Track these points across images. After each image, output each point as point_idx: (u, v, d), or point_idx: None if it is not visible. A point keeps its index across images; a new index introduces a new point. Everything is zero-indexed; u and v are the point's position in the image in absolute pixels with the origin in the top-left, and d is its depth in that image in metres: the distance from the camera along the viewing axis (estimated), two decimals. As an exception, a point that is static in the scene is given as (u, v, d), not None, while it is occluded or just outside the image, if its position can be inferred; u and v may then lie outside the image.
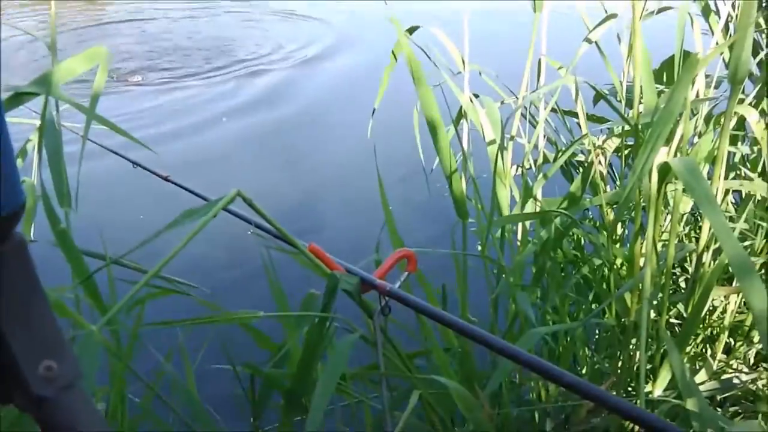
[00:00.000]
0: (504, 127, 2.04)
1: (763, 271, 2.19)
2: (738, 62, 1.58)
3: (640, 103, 1.83)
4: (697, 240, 1.98)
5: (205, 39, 10.03)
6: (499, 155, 1.93)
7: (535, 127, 2.23)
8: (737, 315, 2.14)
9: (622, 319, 1.93)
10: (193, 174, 5.10)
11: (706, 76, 2.18)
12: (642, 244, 1.80)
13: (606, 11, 2.25)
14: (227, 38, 10.02)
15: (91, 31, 10.59)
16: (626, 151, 2.15)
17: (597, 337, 2.29)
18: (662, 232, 2.11)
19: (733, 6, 2.14)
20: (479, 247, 2.10)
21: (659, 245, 1.99)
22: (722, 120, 1.77)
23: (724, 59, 2.14)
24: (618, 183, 2.34)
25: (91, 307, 1.61)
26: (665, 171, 1.62)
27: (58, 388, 0.54)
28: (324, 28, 10.55)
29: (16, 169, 0.51)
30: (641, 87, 1.77)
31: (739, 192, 2.41)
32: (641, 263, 1.83)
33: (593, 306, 2.12)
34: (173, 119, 6.57)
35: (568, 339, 2.10)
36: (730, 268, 2.00)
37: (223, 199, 1.23)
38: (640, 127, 1.77)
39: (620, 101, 2.26)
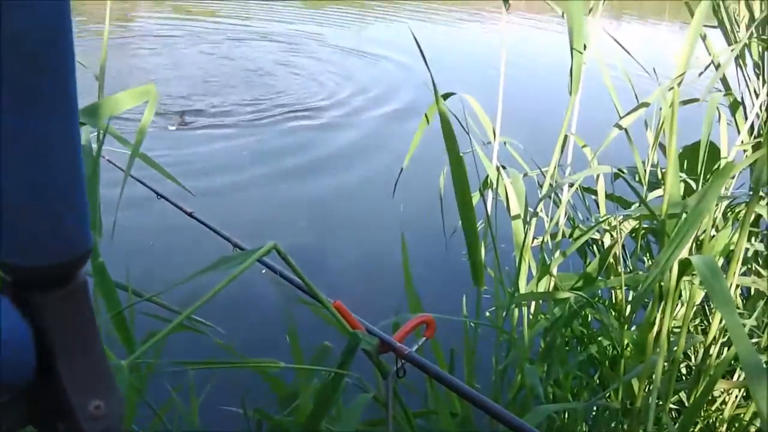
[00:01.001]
0: (534, 208, 2.08)
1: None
2: (762, 170, 1.63)
3: (657, 187, 1.86)
4: (704, 331, 2.01)
5: (249, 69, 9.83)
6: (522, 229, 1.97)
7: (556, 205, 2.27)
8: (736, 408, 2.16)
9: (626, 402, 1.95)
10: (217, 216, 5.16)
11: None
12: (655, 331, 1.83)
13: (638, 99, 2.30)
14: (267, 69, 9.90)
15: (117, 47, 10.53)
16: (642, 232, 2.19)
17: (594, 413, 2.31)
18: (671, 320, 2.15)
19: (761, 107, 2.19)
20: (487, 313, 2.14)
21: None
22: (740, 217, 1.81)
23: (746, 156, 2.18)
24: (630, 264, 2.38)
25: (109, 336, 1.64)
26: (685, 266, 1.66)
27: (104, 427, 0.56)
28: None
29: (89, 213, 0.53)
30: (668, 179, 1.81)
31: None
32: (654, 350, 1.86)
33: (596, 382, 2.15)
34: (215, 170, 6.50)
35: (568, 415, 2.12)
36: (732, 362, 2.03)
37: (259, 250, 1.27)
38: (664, 221, 1.81)
39: (640, 183, 2.30)
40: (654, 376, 1.64)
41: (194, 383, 1.88)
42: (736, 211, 2.15)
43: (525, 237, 1.93)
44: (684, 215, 1.59)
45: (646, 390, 1.83)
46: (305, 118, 8.05)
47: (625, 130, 2.25)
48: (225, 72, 9.76)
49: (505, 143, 2.41)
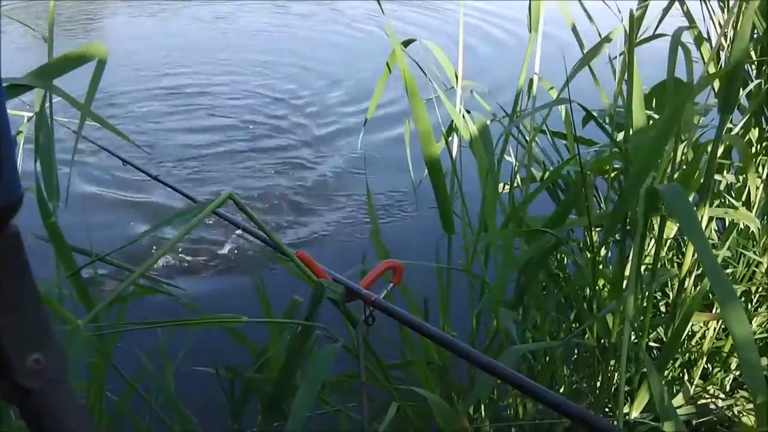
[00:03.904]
0: (495, 146, 2.05)
1: (743, 298, 2.20)
2: (729, 93, 1.60)
3: (629, 127, 1.84)
4: (680, 265, 1.99)
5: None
6: (489, 172, 1.94)
7: (524, 147, 2.24)
8: (716, 341, 2.16)
9: (603, 340, 1.94)
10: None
11: (695, 104, 2.20)
12: (626, 267, 1.82)
13: (600, 34, 2.27)
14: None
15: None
16: (613, 174, 2.17)
17: (576, 356, 2.30)
18: (646, 256, 2.13)
19: (724, 36, 2.17)
20: (460, 261, 2.11)
21: (642, 269, 2.00)
22: (710, 148, 1.79)
23: (713, 88, 2.16)
24: (602, 205, 2.36)
25: (74, 300, 1.62)
26: (653, 196, 1.64)
27: (44, 381, 0.54)
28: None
29: (15, 161, 0.51)
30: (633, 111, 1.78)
31: (723, 220, 2.43)
32: (624, 286, 1.84)
33: (574, 325, 2.13)
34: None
35: (547, 357, 2.10)
36: (710, 295, 2.02)
37: (214, 201, 1.24)
38: (629, 151, 1.78)
39: (610, 125, 2.27)
40: (625, 309, 1.62)
41: (166, 349, 1.87)
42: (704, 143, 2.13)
43: (487, 171, 1.90)
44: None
45: (621, 326, 1.81)
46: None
47: (590, 68, 2.22)
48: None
49: (471, 92, 2.38)
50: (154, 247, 3.68)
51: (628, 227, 1.76)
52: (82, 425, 0.57)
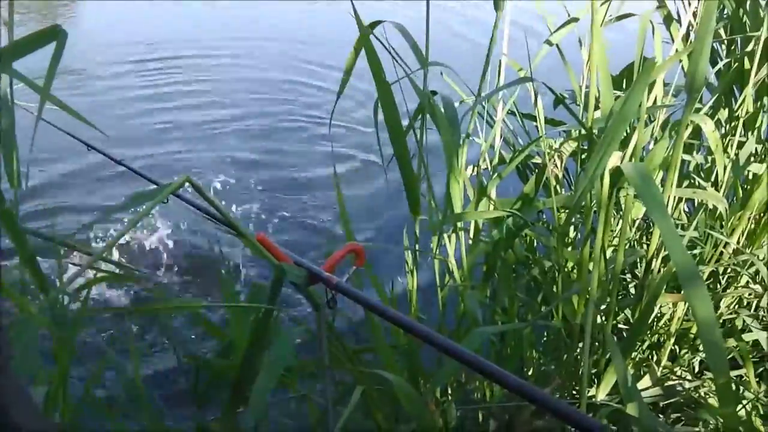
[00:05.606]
0: (463, 125, 2.03)
1: (711, 279, 2.20)
2: (696, 70, 1.58)
3: (596, 108, 1.82)
4: (648, 246, 1.99)
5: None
6: (455, 153, 1.92)
7: (491, 127, 2.23)
8: (684, 322, 2.15)
9: (569, 322, 1.93)
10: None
11: (665, 84, 2.19)
12: (593, 247, 1.81)
13: (569, 14, 2.26)
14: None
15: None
16: (582, 155, 2.15)
17: (545, 339, 2.29)
18: (614, 237, 2.12)
19: (694, 15, 2.16)
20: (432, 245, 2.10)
21: (610, 250, 1.99)
22: (678, 128, 1.78)
23: (683, 68, 2.15)
24: (573, 186, 2.35)
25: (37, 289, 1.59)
26: (617, 175, 1.63)
27: None
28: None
29: None
30: (598, 91, 1.77)
31: (693, 201, 2.43)
32: (590, 267, 1.84)
33: (542, 308, 2.12)
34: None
35: (515, 340, 2.09)
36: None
37: (172, 184, 1.22)
38: (595, 131, 1.77)
39: (579, 105, 2.26)
40: (590, 290, 1.61)
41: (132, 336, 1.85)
42: (674, 123, 2.12)
43: (451, 152, 1.87)
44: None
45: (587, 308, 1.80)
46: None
47: (558, 48, 2.21)
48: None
49: (441, 73, 2.36)
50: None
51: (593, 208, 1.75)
52: (27, 413, 0.56)
